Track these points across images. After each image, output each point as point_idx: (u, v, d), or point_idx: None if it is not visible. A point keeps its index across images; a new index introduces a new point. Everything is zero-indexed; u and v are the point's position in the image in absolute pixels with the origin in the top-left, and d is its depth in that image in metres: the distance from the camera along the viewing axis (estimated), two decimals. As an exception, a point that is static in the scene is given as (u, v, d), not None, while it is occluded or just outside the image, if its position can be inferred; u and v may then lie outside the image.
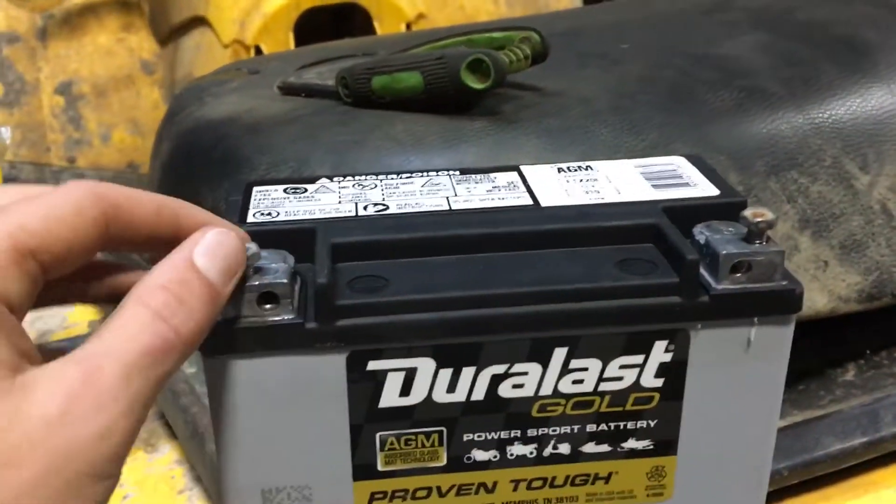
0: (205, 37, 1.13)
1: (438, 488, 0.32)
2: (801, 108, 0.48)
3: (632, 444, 0.32)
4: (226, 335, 0.29)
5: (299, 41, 1.07)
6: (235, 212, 0.34)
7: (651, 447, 0.32)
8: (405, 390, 0.30)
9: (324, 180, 0.36)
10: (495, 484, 0.33)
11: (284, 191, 0.35)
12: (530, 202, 0.34)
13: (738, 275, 0.30)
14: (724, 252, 0.30)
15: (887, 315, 0.42)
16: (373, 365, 0.30)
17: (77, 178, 1.17)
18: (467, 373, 0.30)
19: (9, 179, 1.08)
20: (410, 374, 0.30)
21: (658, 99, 0.47)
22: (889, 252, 0.48)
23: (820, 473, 0.48)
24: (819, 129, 0.48)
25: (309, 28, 1.09)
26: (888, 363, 0.54)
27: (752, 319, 0.31)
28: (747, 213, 0.30)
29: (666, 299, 0.30)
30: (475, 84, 0.44)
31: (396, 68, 0.47)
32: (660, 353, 0.31)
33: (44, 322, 0.83)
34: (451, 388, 0.31)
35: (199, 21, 1.12)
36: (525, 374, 0.31)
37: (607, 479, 0.33)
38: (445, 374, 0.30)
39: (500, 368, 0.31)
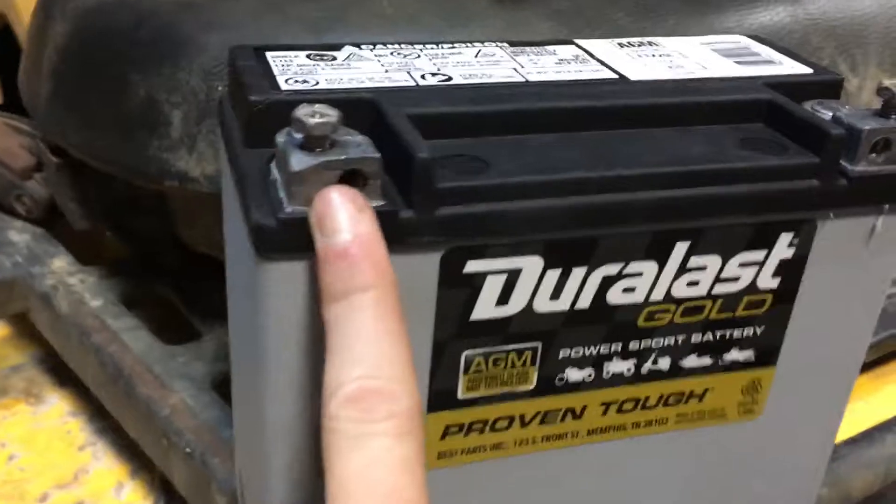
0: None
1: (522, 417, 0.27)
2: (797, 1, 0.45)
3: (734, 355, 0.28)
4: (292, 229, 0.22)
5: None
6: (258, 76, 0.26)
7: (752, 358, 0.29)
8: (503, 297, 0.25)
9: (350, 47, 0.29)
10: (584, 409, 0.27)
11: (308, 56, 0.28)
12: (615, 76, 0.28)
13: (875, 155, 0.26)
14: (868, 128, 0.26)
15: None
16: (472, 266, 0.24)
17: None
18: (577, 274, 0.25)
19: None
20: (513, 277, 0.24)
21: (666, -15, 0.42)
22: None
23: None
24: (816, 25, 0.45)
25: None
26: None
27: (881, 207, 0.27)
28: (888, 83, 0.26)
29: (803, 183, 0.26)
30: (477, -46, 0.38)
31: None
32: (783, 247, 0.27)
33: None
34: (556, 293, 0.25)
35: None
36: (639, 275, 0.26)
37: (701, 396, 0.29)
38: (552, 276, 0.25)
39: (613, 268, 0.25)
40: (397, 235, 0.22)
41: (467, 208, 0.23)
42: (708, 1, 0.43)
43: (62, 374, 0.51)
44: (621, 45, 0.31)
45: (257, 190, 0.23)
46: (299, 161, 0.21)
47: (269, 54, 0.28)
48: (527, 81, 0.27)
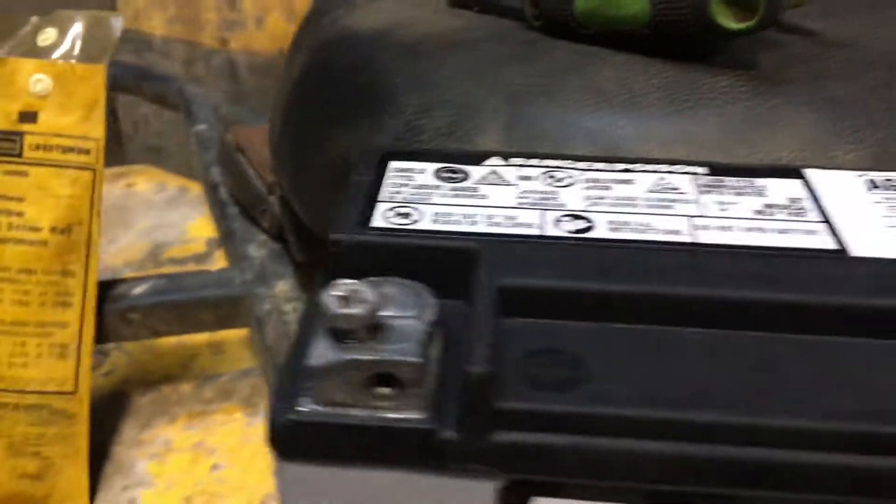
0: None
1: None
2: None
3: None
4: (312, 433, 0.17)
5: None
6: (357, 202, 0.22)
7: None
8: (589, 546, 0.19)
9: (496, 160, 0.24)
10: None
11: (437, 174, 0.23)
12: (831, 245, 0.20)
13: None
14: None
15: None
16: None
17: (228, 61, 1.10)
18: (700, 536, 0.18)
19: (161, 55, 1.00)
20: (602, 526, 0.18)
21: None
22: None
23: None
24: None
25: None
26: None
27: None
28: None
29: None
30: (731, 23, 0.30)
31: (612, -11, 0.33)
32: None
33: (163, 233, 0.75)
34: (667, 552, 0.18)
35: None
36: (798, 550, 0.18)
37: None
38: (662, 533, 0.18)
39: (756, 537, 0.18)
40: (438, 458, 0.17)
41: (536, 438, 0.17)
42: None
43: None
44: (871, 185, 0.23)
45: (294, 365, 0.19)
46: (319, 354, 0.17)
47: (392, 165, 0.23)
48: (691, 245, 0.20)
